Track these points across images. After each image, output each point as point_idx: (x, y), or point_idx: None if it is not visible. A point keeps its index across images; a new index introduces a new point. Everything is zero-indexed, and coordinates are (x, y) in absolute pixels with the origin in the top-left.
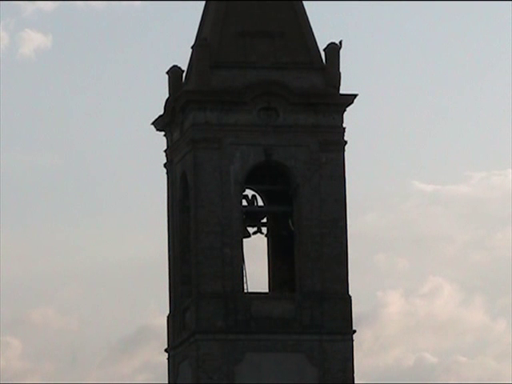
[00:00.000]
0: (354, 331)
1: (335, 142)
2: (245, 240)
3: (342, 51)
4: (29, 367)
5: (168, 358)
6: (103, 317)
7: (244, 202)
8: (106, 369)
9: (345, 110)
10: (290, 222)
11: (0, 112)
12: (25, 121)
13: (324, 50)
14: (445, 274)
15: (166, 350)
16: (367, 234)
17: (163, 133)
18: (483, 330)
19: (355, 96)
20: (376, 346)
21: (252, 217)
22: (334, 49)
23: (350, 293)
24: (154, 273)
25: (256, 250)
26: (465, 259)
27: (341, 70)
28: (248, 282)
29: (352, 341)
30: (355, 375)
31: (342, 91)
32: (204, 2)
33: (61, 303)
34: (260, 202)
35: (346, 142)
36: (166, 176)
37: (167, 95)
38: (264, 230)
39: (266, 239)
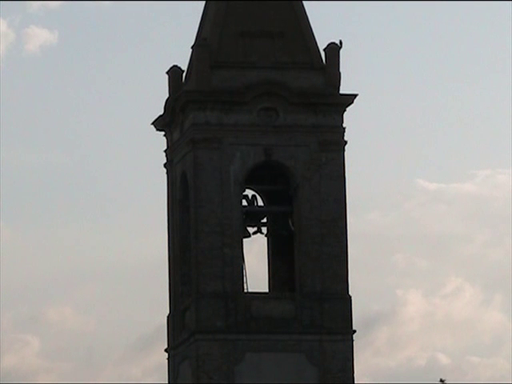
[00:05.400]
0: (354, 331)
1: (335, 142)
2: (245, 240)
3: (342, 51)
4: (45, 365)
5: (168, 358)
6: (120, 316)
7: (244, 202)
8: (121, 368)
9: (345, 110)
10: (289, 221)
11: (5, 109)
12: (27, 118)
13: (324, 50)
14: (463, 274)
15: (165, 350)
16: (370, 234)
17: (163, 133)
18: (501, 330)
19: (355, 96)
20: (391, 345)
21: (252, 217)
22: (333, 49)
23: (350, 293)
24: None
25: (256, 250)
26: (480, 258)
27: (341, 70)
28: (248, 282)
29: (352, 341)
30: (363, 373)
31: (342, 91)
32: (204, 2)
33: (78, 302)
34: (260, 202)
35: (346, 142)
36: (166, 176)
37: (167, 95)
38: (264, 229)
39: (266, 239)
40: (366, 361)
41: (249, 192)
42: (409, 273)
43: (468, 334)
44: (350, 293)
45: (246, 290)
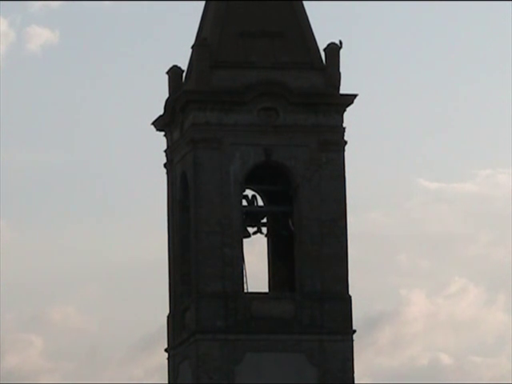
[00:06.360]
0: (354, 331)
1: (335, 142)
2: (245, 240)
3: (342, 51)
4: (48, 365)
5: (168, 358)
6: (123, 316)
7: (244, 202)
8: (124, 368)
9: (345, 110)
10: (290, 221)
11: (5, 109)
12: (27, 118)
13: (324, 50)
14: (467, 274)
15: (166, 350)
16: (371, 234)
17: (163, 133)
18: (504, 330)
19: (355, 96)
20: (393, 345)
21: (252, 217)
22: (333, 49)
23: (351, 293)
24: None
25: (256, 250)
26: (483, 258)
27: (341, 70)
28: (248, 282)
29: (352, 341)
30: (365, 372)
31: (342, 91)
32: (204, 2)
33: (81, 302)
34: (260, 202)
35: (346, 142)
36: (165, 176)
37: (167, 95)
38: (264, 229)
39: (266, 239)
40: (368, 360)
41: (249, 192)
42: (412, 273)
43: (471, 334)
44: (350, 293)
45: (246, 290)
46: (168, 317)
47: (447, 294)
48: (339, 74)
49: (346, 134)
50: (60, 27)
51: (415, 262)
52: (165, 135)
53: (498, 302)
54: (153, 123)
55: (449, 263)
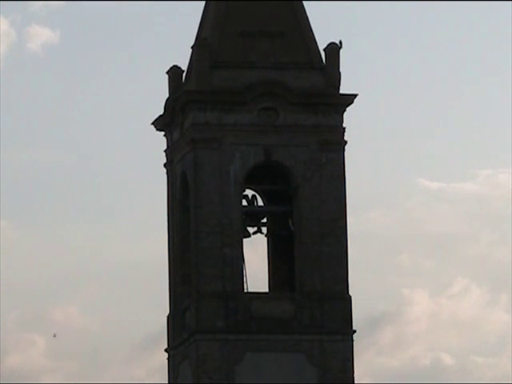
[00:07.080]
0: (354, 331)
1: (335, 142)
2: (245, 240)
3: (341, 51)
4: (50, 365)
5: (168, 358)
6: (125, 316)
7: (244, 202)
8: (126, 368)
9: (345, 110)
10: (290, 221)
11: (6, 108)
12: (28, 117)
13: (324, 50)
14: (469, 274)
15: (165, 350)
16: (371, 233)
17: (163, 133)
18: (506, 330)
19: (355, 96)
20: (395, 345)
21: (252, 217)
22: (333, 49)
23: (350, 293)
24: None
25: (256, 250)
26: (486, 258)
27: (341, 70)
28: (248, 282)
29: (352, 341)
30: (366, 372)
31: (342, 91)
32: (204, 2)
33: (83, 302)
34: (260, 202)
35: (346, 142)
36: (166, 176)
37: (167, 95)
38: (264, 229)
39: (266, 239)
40: (369, 360)
41: (249, 192)
42: (414, 273)
43: (473, 335)
44: (350, 293)
45: (246, 290)
46: (168, 317)
47: (450, 294)
48: (339, 73)
49: (346, 133)
50: (60, 27)
51: (417, 262)
52: (165, 135)
53: (501, 302)
54: (153, 123)
55: (451, 263)
